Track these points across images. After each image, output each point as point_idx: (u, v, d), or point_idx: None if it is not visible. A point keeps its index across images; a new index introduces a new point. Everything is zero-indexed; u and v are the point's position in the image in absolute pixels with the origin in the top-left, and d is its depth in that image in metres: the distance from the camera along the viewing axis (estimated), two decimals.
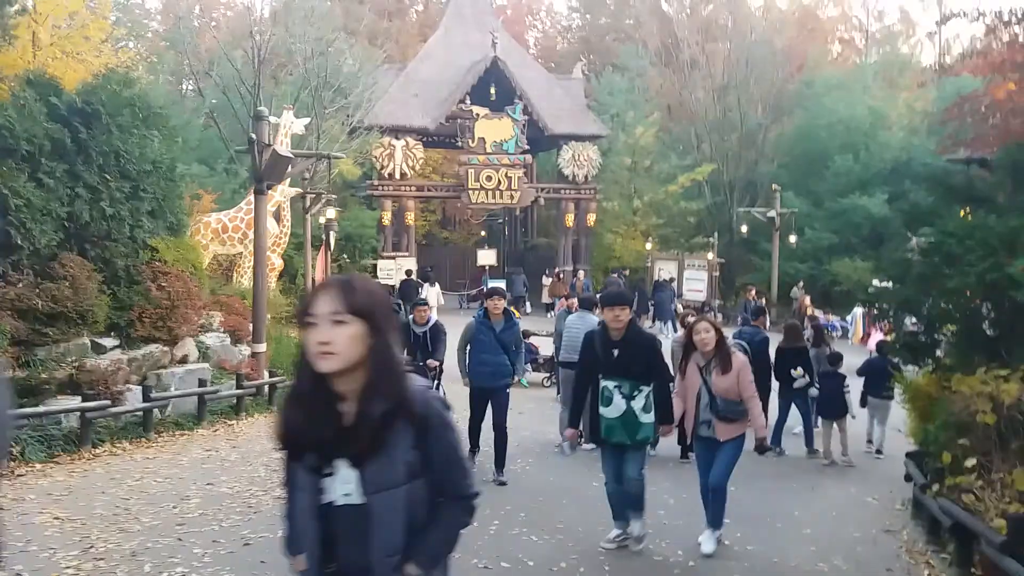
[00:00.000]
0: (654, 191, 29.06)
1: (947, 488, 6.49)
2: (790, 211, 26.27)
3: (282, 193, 19.25)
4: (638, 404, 5.76)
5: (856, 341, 21.27)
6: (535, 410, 12.25)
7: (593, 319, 9.20)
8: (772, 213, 26.39)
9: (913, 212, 8.05)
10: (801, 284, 26.23)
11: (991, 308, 7.12)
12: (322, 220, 18.68)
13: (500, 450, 8.05)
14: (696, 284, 27.73)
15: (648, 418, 5.82)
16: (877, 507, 8.23)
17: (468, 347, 8.02)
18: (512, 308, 15.11)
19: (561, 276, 25.55)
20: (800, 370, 9.82)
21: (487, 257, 28.48)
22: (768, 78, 30.80)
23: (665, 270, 27.73)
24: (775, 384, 10.07)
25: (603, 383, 5.82)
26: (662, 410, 5.91)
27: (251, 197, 19.36)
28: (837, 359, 10.16)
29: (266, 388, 12.26)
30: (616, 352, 5.81)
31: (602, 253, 29.52)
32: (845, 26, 41.14)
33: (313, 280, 19.74)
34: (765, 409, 10.97)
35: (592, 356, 5.96)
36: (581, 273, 25.52)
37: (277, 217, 20.48)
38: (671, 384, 6.44)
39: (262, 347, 12.56)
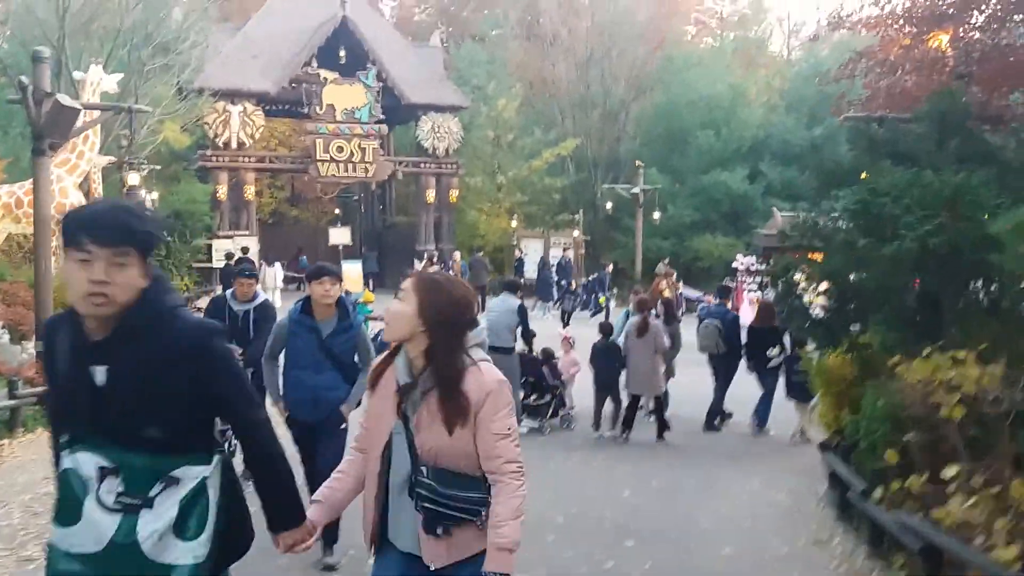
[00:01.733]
0: (518, 167, 27.76)
1: (893, 494, 5.37)
2: (653, 188, 25.69)
3: (88, 161, 16.39)
4: None
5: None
6: None
7: (515, 302, 9.06)
8: (635, 189, 25.72)
9: (834, 171, 6.83)
10: (667, 261, 25.72)
11: (928, 279, 6.04)
12: (143, 194, 16.00)
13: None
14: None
15: None
16: (791, 507, 7.13)
17: (280, 358, 5.39)
18: (366, 292, 13.17)
19: (434, 259, 23.40)
20: (776, 350, 9.36)
21: (340, 236, 26.28)
22: (629, 54, 30.16)
23: (530, 248, 26.59)
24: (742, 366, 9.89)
25: None
26: None
27: (52, 168, 16.54)
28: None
29: None
30: None
31: (465, 231, 27.96)
32: (701, 7, 41.41)
33: None
34: (724, 391, 9.90)
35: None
36: (457, 255, 23.49)
37: (86, 190, 17.59)
38: None
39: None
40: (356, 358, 5.19)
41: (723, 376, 9.96)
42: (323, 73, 24.53)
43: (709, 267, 26.36)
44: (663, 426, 9.33)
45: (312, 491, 5.28)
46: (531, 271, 26.61)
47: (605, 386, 9.49)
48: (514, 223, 27.17)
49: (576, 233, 26.32)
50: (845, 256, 6.38)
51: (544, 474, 8.03)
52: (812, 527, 6.49)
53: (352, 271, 22.04)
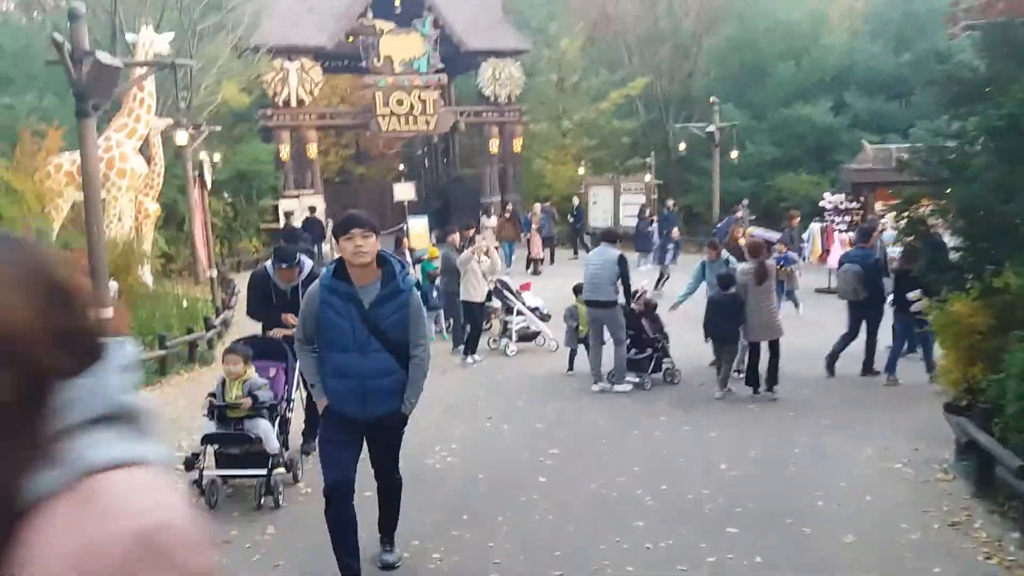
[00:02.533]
0: (584, 110, 26.55)
1: None
2: (730, 125, 24.14)
3: (146, 124, 16.08)
4: None
5: (815, 259, 19.45)
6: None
7: (614, 253, 8.85)
8: (711, 127, 24.21)
9: (968, 83, 5.65)
10: (745, 202, 24.31)
11: None
12: (201, 156, 15.61)
13: (389, 511, 4.68)
14: (633, 209, 25.57)
15: None
16: (914, 480, 6.22)
17: (314, 338, 4.26)
18: (431, 248, 12.58)
19: (509, 214, 21.52)
20: (919, 292, 8.58)
21: (405, 191, 25.64)
22: None
23: (600, 195, 25.52)
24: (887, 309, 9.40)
25: None
26: None
27: (110, 132, 16.35)
28: None
29: None
30: None
31: (532, 181, 27.03)
32: None
33: (191, 226, 16.76)
34: (873, 341, 9.36)
35: None
36: (537, 206, 21.88)
37: (147, 155, 17.36)
38: None
39: (107, 311, 9.80)
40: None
41: (871, 323, 9.39)
42: (379, 24, 23.72)
43: (793, 207, 24.80)
44: (774, 378, 8.71)
45: (339, 534, 4.32)
46: (598, 219, 25.62)
47: (724, 340, 8.82)
48: (581, 170, 26.09)
49: (648, 177, 25.07)
50: (981, 185, 5.31)
51: (630, 442, 7.32)
52: (944, 506, 5.58)
53: (418, 226, 21.48)
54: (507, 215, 21.49)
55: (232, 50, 20.63)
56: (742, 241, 11.29)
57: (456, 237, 11.64)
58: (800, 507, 5.56)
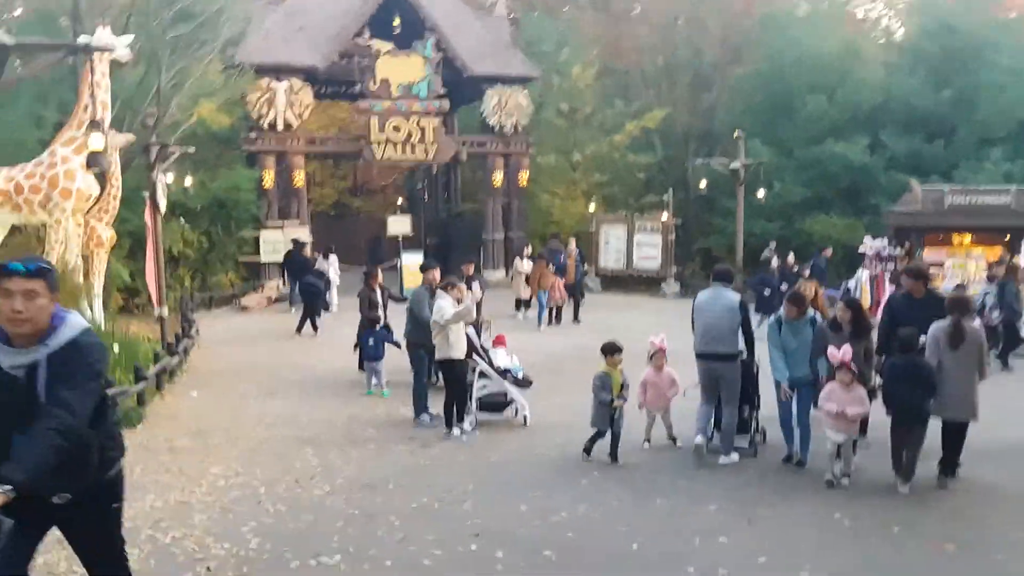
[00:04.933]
0: (596, 143, 24.51)
1: None
2: (756, 161, 22.07)
3: (100, 140, 13.92)
4: None
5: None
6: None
7: (733, 296, 7.70)
8: (735, 164, 22.17)
9: None
10: (773, 245, 22.13)
11: None
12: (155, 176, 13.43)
13: None
14: (649, 250, 23.44)
15: None
16: None
17: None
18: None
19: (546, 255, 17.42)
20: None
21: (399, 225, 23.55)
22: (722, 11, 26.46)
23: (612, 235, 23.33)
24: None
25: None
26: None
27: (56, 147, 14.23)
28: None
29: None
30: None
31: (538, 218, 24.88)
32: None
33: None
34: None
35: None
36: (573, 242, 19.15)
37: (101, 174, 15.24)
38: None
39: None
40: None
41: None
42: (376, 44, 21.81)
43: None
44: (954, 463, 7.11)
45: None
46: (610, 261, 23.42)
47: (910, 418, 6.90)
48: (592, 207, 23.95)
49: (665, 216, 22.91)
50: None
51: None
52: None
53: (412, 263, 19.23)
54: (543, 258, 17.17)
55: (210, 65, 18.62)
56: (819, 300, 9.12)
57: (435, 274, 9.33)
58: None
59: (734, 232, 22.76)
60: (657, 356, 8.02)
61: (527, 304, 17.30)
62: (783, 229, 23.30)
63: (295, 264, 18.65)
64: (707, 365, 7.70)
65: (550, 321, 16.61)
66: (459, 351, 8.59)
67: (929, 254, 18.00)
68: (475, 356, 8.91)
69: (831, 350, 6.98)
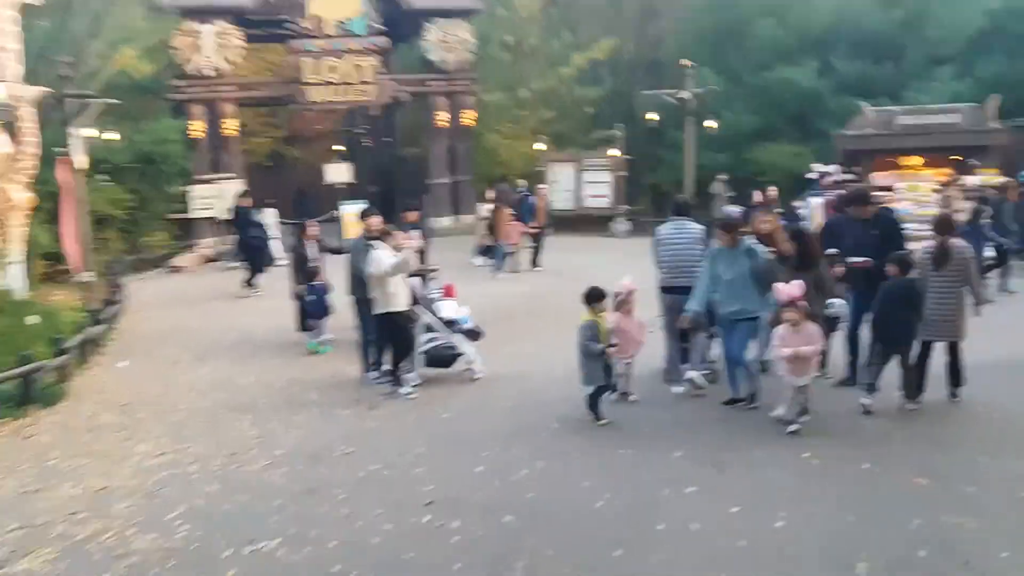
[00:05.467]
0: (544, 78, 23.68)
1: None
2: (706, 90, 21.52)
3: (7, 94, 12.81)
4: None
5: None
6: None
7: (696, 227, 7.75)
8: (684, 94, 21.59)
9: None
10: (724, 178, 21.81)
11: None
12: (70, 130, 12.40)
13: None
14: (598, 188, 22.95)
15: None
16: None
17: None
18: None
19: (498, 200, 16.65)
20: None
21: (338, 173, 22.61)
22: None
23: (562, 175, 22.73)
24: None
25: None
26: None
27: None
28: None
29: None
30: None
31: (485, 159, 24.10)
32: None
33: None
34: None
35: None
36: (544, 187, 18.55)
37: (11, 131, 14.11)
38: None
39: None
40: None
41: None
42: None
43: (773, 183, 22.35)
44: (957, 379, 7.14)
45: None
46: (558, 201, 22.80)
47: (896, 341, 6.88)
48: (540, 146, 23.23)
49: (614, 152, 22.33)
50: None
51: (657, 541, 4.57)
52: None
53: (352, 212, 18.42)
54: (499, 201, 16.51)
55: (129, 8, 17.34)
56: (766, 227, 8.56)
57: (375, 221, 8.67)
58: None
59: (683, 165, 22.32)
60: (627, 300, 7.47)
61: (491, 251, 16.44)
62: (731, 160, 22.93)
63: (240, 218, 17.67)
64: (674, 298, 7.52)
65: (503, 268, 15.96)
66: (399, 303, 8.04)
67: (879, 178, 17.81)
68: (419, 308, 8.35)
69: (779, 285, 6.54)
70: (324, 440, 6.83)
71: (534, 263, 16.54)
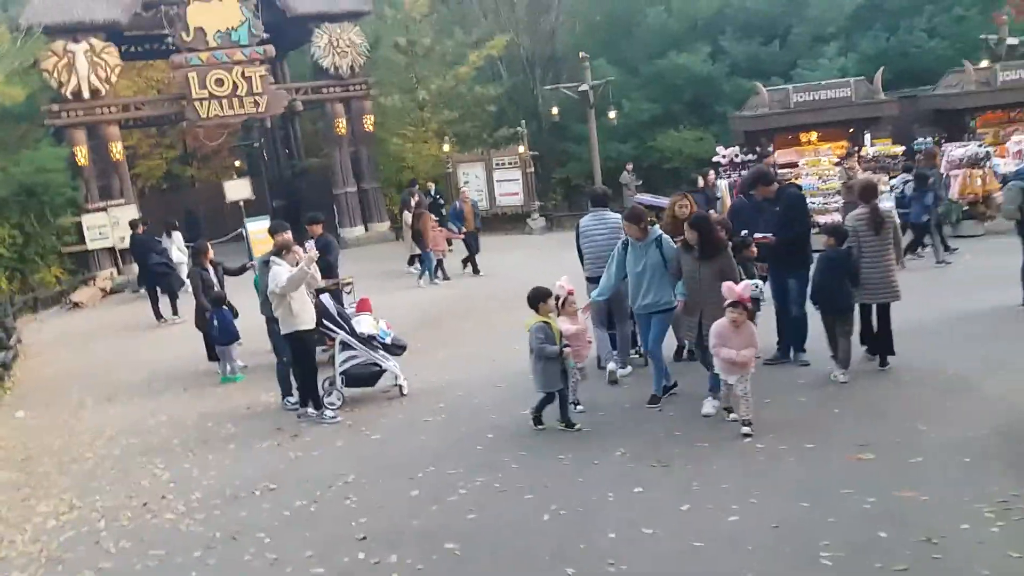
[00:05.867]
0: (441, 78, 23.33)
1: None
2: (604, 81, 21.60)
3: None
4: None
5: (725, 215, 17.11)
6: None
7: (615, 217, 7.84)
8: (584, 87, 21.61)
9: None
10: (631, 167, 21.98)
11: None
12: None
13: None
14: (509, 186, 22.75)
15: None
16: None
17: None
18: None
19: (419, 207, 16.14)
20: None
21: (238, 190, 21.70)
22: None
23: (472, 174, 22.45)
24: None
25: None
26: None
27: None
28: None
29: None
30: None
31: (390, 165, 23.63)
32: None
33: None
34: None
35: None
36: (465, 188, 18.01)
37: None
38: None
39: None
40: None
41: None
42: None
43: (677, 168, 22.68)
44: (888, 347, 7.28)
45: None
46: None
47: (841, 308, 7.08)
48: (446, 147, 22.91)
49: (521, 149, 22.21)
50: None
51: (610, 552, 4.34)
52: None
53: (258, 229, 17.69)
54: (413, 202, 16.29)
55: None
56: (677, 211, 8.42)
57: (285, 237, 8.17)
58: None
59: (590, 158, 22.37)
60: (568, 302, 6.98)
61: (419, 260, 15.71)
62: (636, 149, 23.14)
63: (138, 246, 16.68)
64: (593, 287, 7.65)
65: (436, 276, 15.23)
66: (305, 321, 7.62)
67: (781, 156, 18.21)
68: (327, 326, 7.92)
69: (727, 285, 6.19)
70: (244, 478, 6.36)
71: (476, 270, 15.72)
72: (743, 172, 18.62)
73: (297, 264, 7.57)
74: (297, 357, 7.78)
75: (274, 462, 6.69)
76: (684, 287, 6.74)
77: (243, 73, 19.95)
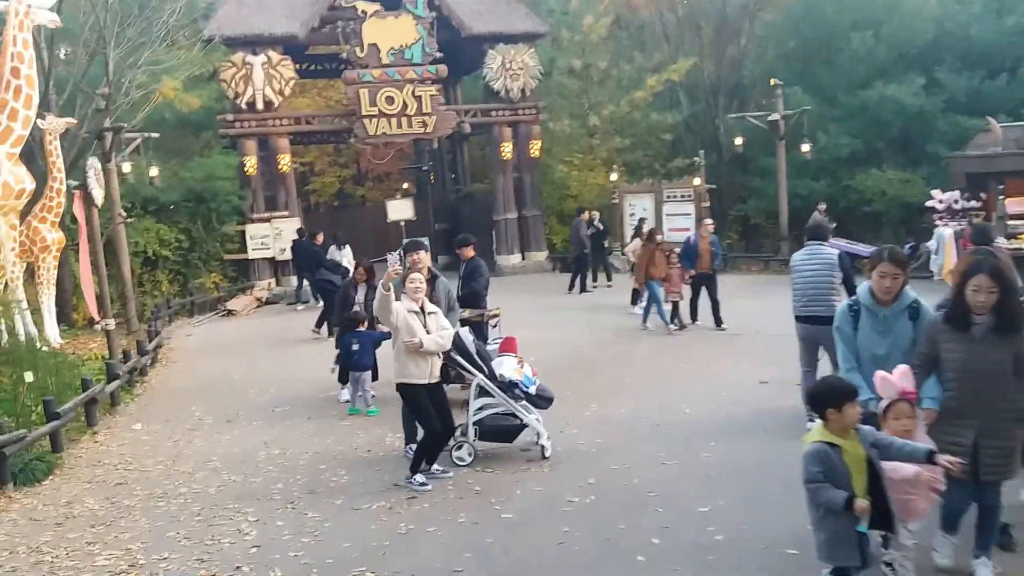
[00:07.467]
0: (615, 103, 21.95)
1: None
2: (799, 111, 19.42)
3: (26, 122, 11.68)
4: None
5: (947, 276, 14.38)
6: None
7: (830, 252, 7.21)
8: (775, 116, 19.55)
9: None
10: (823, 207, 19.56)
11: None
12: (88, 163, 11.17)
13: None
14: (680, 221, 20.89)
15: None
16: None
17: None
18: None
19: (649, 233, 13.37)
20: None
21: (400, 210, 21.25)
22: None
23: (639, 206, 20.82)
24: None
25: None
26: None
27: None
28: None
29: None
30: None
31: (553, 192, 22.45)
32: None
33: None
34: None
35: None
36: (709, 223, 13.17)
37: (43, 167, 13.09)
38: None
39: None
40: None
41: None
42: (360, 5, 19.38)
43: (879, 212, 20.03)
44: None
45: None
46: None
47: None
48: (614, 176, 21.43)
49: (697, 181, 20.35)
50: None
51: None
52: None
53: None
54: (650, 237, 13.05)
55: (173, 38, 16.36)
56: None
57: (420, 256, 6.88)
58: None
59: (775, 194, 20.18)
60: (898, 408, 4.07)
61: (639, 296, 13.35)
62: (830, 187, 20.68)
63: (304, 256, 16.34)
64: (807, 328, 7.05)
65: (672, 320, 12.30)
66: (412, 373, 6.14)
67: (1012, 204, 15.40)
68: (463, 366, 6.56)
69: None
70: (337, 554, 5.05)
71: (718, 321, 12.24)
72: (963, 220, 15.96)
73: (413, 290, 6.24)
74: (411, 409, 6.47)
75: (378, 535, 5.33)
76: (949, 385, 4.19)
77: (414, 92, 19.45)
